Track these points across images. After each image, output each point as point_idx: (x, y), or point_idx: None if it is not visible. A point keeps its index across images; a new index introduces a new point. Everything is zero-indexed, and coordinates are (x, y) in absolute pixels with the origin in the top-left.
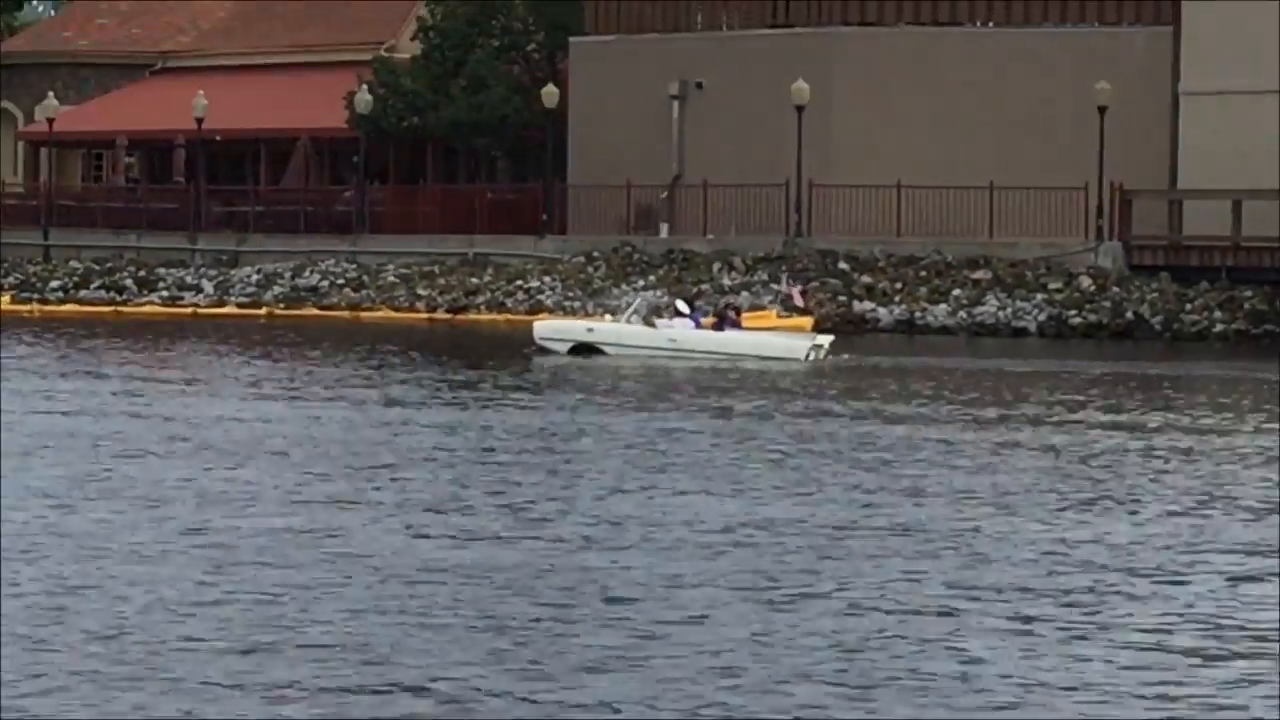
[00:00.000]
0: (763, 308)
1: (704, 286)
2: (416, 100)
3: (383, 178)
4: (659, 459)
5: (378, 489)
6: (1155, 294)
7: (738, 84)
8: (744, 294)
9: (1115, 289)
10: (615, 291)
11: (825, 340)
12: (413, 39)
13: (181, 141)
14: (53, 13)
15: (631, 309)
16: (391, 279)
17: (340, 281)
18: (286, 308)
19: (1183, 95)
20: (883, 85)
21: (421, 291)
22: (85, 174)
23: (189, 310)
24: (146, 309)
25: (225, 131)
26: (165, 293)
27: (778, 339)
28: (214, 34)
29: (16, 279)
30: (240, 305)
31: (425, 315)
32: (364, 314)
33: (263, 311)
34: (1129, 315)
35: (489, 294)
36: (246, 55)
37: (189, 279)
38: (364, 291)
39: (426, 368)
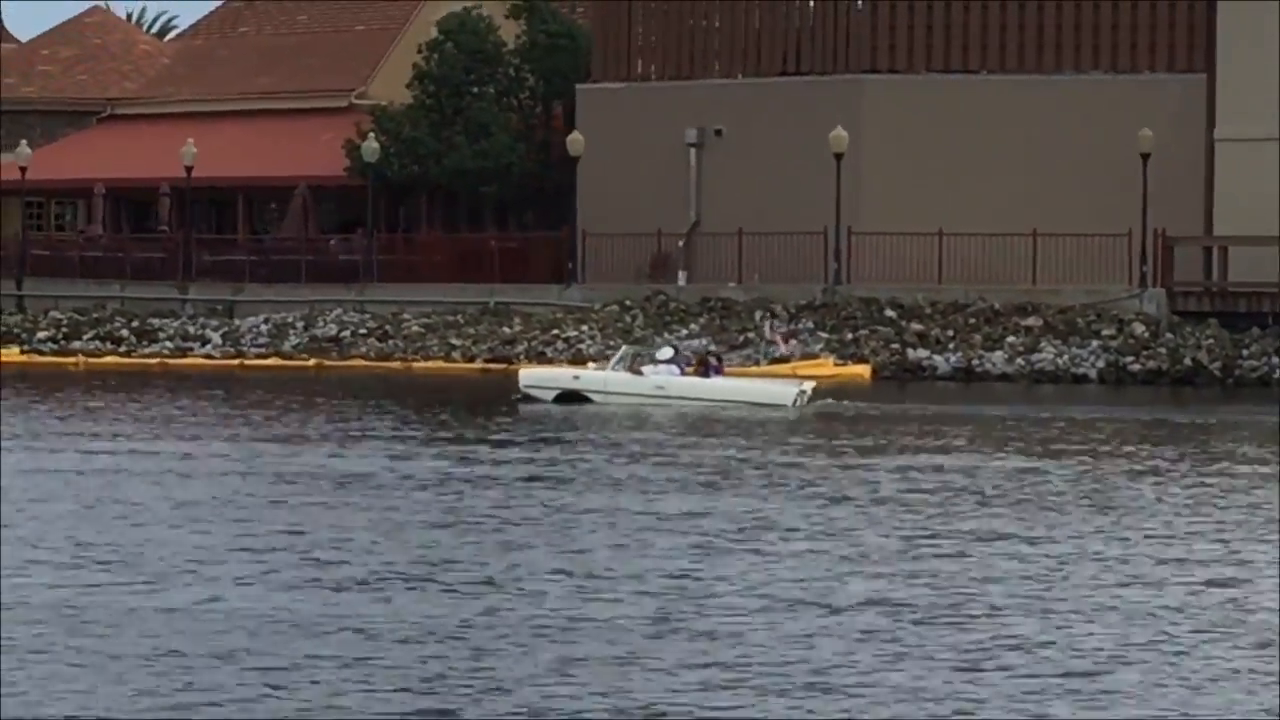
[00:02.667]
0: (815, 356)
1: (749, 335)
2: (418, 148)
3: (389, 226)
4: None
5: None
6: (1210, 340)
7: (758, 131)
8: (793, 342)
9: (1169, 335)
10: (658, 340)
11: (809, 386)
12: (407, 86)
13: (166, 189)
14: None
15: (617, 357)
16: (416, 329)
17: (362, 331)
18: (310, 358)
19: (1218, 142)
20: (913, 132)
21: (455, 341)
22: (26, 223)
23: (236, 362)
24: (190, 361)
25: (206, 179)
26: (169, 343)
27: (766, 385)
28: (161, 80)
29: None
30: (259, 355)
31: (477, 366)
32: (415, 365)
33: (311, 363)
34: (1187, 361)
35: (525, 344)
36: (201, 102)
37: (191, 329)
38: (390, 342)
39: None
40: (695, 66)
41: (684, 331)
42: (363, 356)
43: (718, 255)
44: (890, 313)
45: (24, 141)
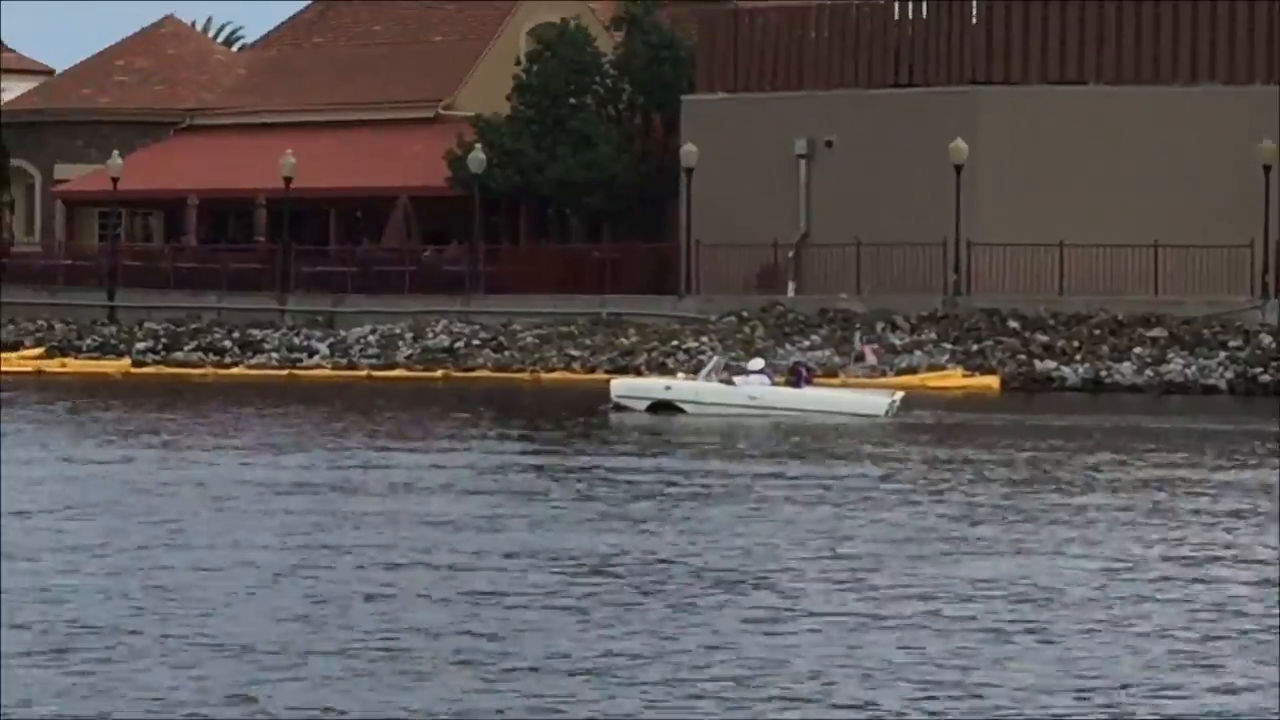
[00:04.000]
0: (942, 367)
1: (875, 345)
2: (521, 159)
3: (488, 238)
4: None
5: None
6: None
7: (869, 142)
8: (917, 353)
9: None
10: (780, 352)
11: (899, 396)
12: (507, 97)
13: (263, 201)
14: None
15: (709, 367)
16: (530, 339)
17: (475, 342)
18: (425, 369)
19: None
20: (1029, 143)
21: (574, 352)
22: (103, 233)
23: (363, 373)
24: (316, 373)
25: (301, 190)
26: (274, 354)
27: (858, 395)
28: (238, 91)
29: (94, 341)
30: (374, 367)
31: (600, 376)
32: (543, 376)
33: (439, 374)
34: None
35: (645, 355)
36: (283, 113)
37: (296, 340)
38: (506, 353)
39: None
40: (803, 78)
41: (805, 343)
42: (479, 367)
43: (827, 266)
44: (1013, 324)
45: (116, 152)
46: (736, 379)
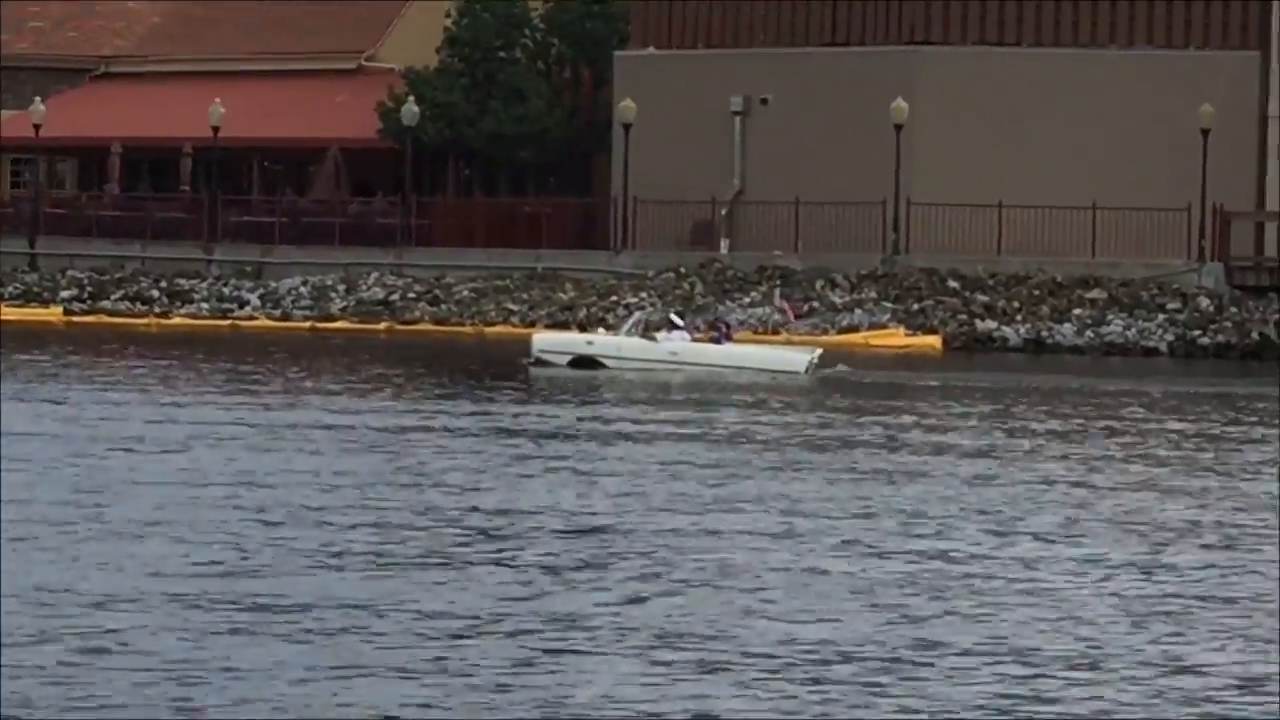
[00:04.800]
0: (884, 326)
1: (814, 304)
2: (452, 112)
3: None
4: None
5: None
6: (1277, 315)
7: (805, 101)
8: (858, 311)
9: (1233, 309)
10: (721, 308)
11: (818, 353)
12: (437, 50)
13: (189, 149)
14: None
15: (630, 323)
16: (466, 293)
17: (410, 295)
18: (361, 321)
19: (1271, 119)
20: (967, 104)
21: (511, 306)
22: (15, 180)
23: (306, 325)
24: (263, 324)
25: (227, 140)
26: (204, 305)
27: (778, 352)
28: (154, 39)
29: (16, 289)
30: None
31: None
32: (486, 330)
33: (382, 327)
34: (1255, 336)
35: (585, 309)
36: (202, 61)
37: (226, 290)
38: (442, 306)
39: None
40: (739, 35)
41: (746, 299)
42: (418, 320)
43: (761, 224)
44: (953, 284)
45: (39, 98)
46: (658, 335)
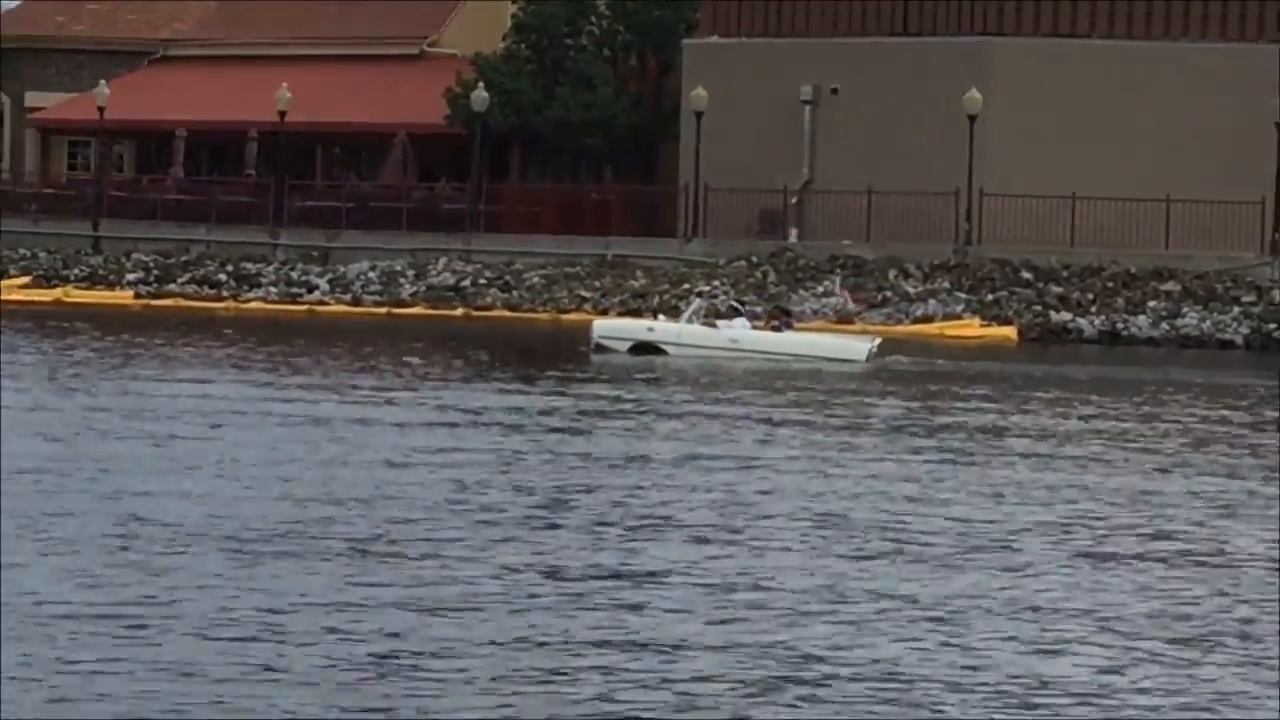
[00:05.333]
0: (958, 317)
1: (887, 294)
2: (519, 99)
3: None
4: None
5: None
6: None
7: (876, 90)
8: (931, 301)
9: None
10: (794, 297)
11: (877, 341)
12: (503, 38)
13: (255, 134)
14: None
15: (690, 309)
16: (537, 280)
17: (480, 281)
18: (432, 307)
19: None
20: (1040, 95)
21: (585, 294)
22: (72, 162)
23: (382, 311)
24: (339, 309)
25: (294, 125)
26: (273, 289)
27: (838, 340)
28: (211, 23)
29: (82, 271)
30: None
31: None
32: (562, 317)
33: (458, 313)
34: None
35: (657, 297)
36: (257, 46)
37: (294, 275)
38: (514, 293)
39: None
40: (809, 25)
41: (819, 288)
42: (492, 306)
43: (829, 213)
44: (1026, 274)
45: (104, 81)
46: (719, 322)
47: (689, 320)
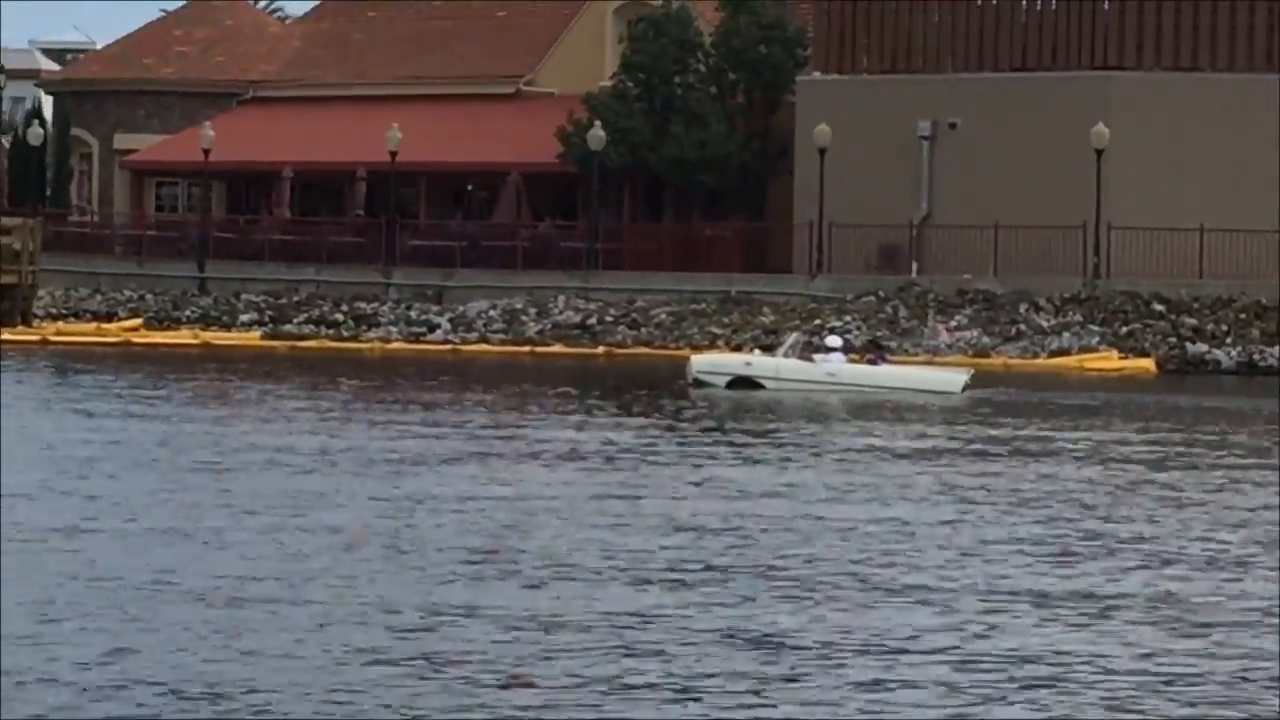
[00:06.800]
0: (1094, 349)
1: (1021, 327)
2: (633, 137)
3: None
4: None
5: None
6: None
7: (995, 125)
8: (1065, 334)
9: None
10: (925, 331)
11: (970, 373)
12: (611, 77)
13: (363, 173)
14: None
15: (787, 344)
16: (664, 317)
17: (608, 318)
18: (566, 345)
19: None
20: (1156, 130)
21: (716, 330)
22: (159, 203)
23: (525, 350)
24: (476, 348)
25: (402, 165)
26: (393, 328)
27: (934, 373)
28: (298, 63)
29: (193, 312)
30: (504, 342)
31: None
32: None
33: (600, 351)
34: None
35: (790, 334)
36: (350, 87)
37: (412, 314)
38: (642, 330)
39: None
40: (925, 61)
41: (953, 323)
42: (629, 345)
43: (946, 247)
44: (1158, 306)
45: (208, 124)
46: (816, 356)
47: (785, 355)
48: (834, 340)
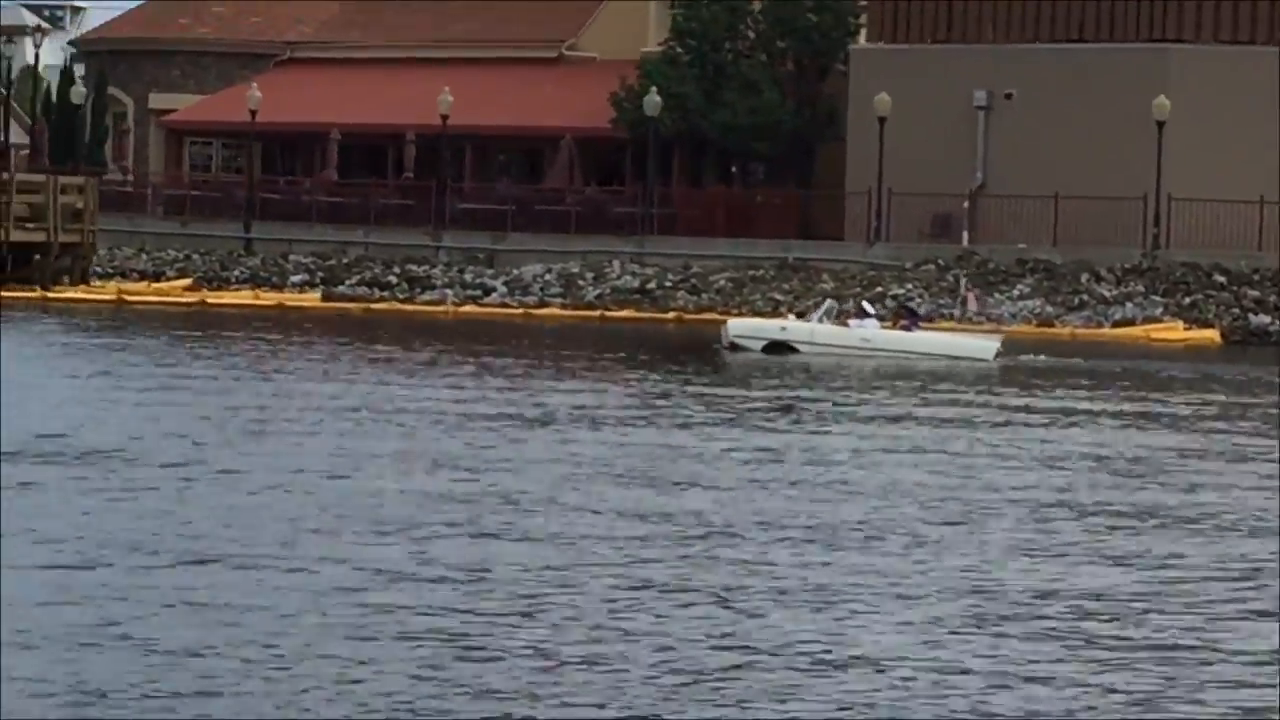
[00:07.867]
0: (1158, 320)
1: (1084, 297)
2: (686, 103)
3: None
4: None
5: None
6: None
7: (1051, 96)
8: (1129, 305)
9: None
10: (991, 300)
11: (1001, 340)
12: (661, 43)
13: (411, 136)
14: None
15: (821, 310)
16: (724, 283)
17: (667, 284)
18: (625, 309)
19: None
20: (1213, 102)
21: (778, 297)
22: (193, 163)
23: (596, 314)
24: (550, 311)
25: (452, 128)
26: (448, 291)
27: (967, 339)
28: (335, 25)
29: (241, 273)
30: (571, 306)
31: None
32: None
33: (670, 316)
34: None
35: (851, 301)
36: (388, 49)
37: (466, 277)
38: (703, 295)
39: None
40: (980, 31)
41: (1014, 292)
42: (683, 310)
43: (1000, 216)
44: (1219, 278)
45: (254, 84)
46: (851, 321)
47: (820, 320)
48: (867, 305)
